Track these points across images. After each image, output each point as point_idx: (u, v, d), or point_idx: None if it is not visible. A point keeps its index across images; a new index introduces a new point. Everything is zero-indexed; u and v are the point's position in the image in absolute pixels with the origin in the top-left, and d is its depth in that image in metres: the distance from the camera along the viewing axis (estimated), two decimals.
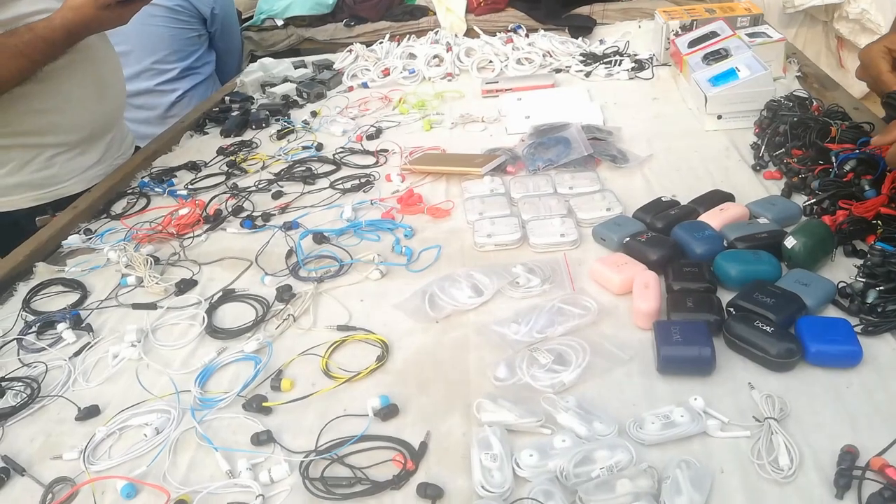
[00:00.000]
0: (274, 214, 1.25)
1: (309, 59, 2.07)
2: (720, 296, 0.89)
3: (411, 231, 1.14)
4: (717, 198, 1.09)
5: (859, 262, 0.94)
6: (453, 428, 0.76)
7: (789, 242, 0.93)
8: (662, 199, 1.11)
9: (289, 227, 1.19)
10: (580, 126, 1.36)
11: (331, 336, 0.92)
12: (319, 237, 1.13)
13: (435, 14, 2.29)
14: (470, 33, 2.18)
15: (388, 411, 0.78)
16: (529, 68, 1.82)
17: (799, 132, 1.19)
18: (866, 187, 1.02)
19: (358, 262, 1.07)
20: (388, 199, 1.26)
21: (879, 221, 0.97)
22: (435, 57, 1.92)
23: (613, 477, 0.66)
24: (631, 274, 0.93)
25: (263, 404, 0.80)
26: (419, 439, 0.74)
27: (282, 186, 1.35)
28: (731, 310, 0.86)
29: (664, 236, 1.00)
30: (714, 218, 1.03)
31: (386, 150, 1.45)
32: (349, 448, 0.74)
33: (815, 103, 1.29)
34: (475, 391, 0.80)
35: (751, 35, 1.56)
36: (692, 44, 1.56)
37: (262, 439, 0.75)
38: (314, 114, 1.69)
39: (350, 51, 2.01)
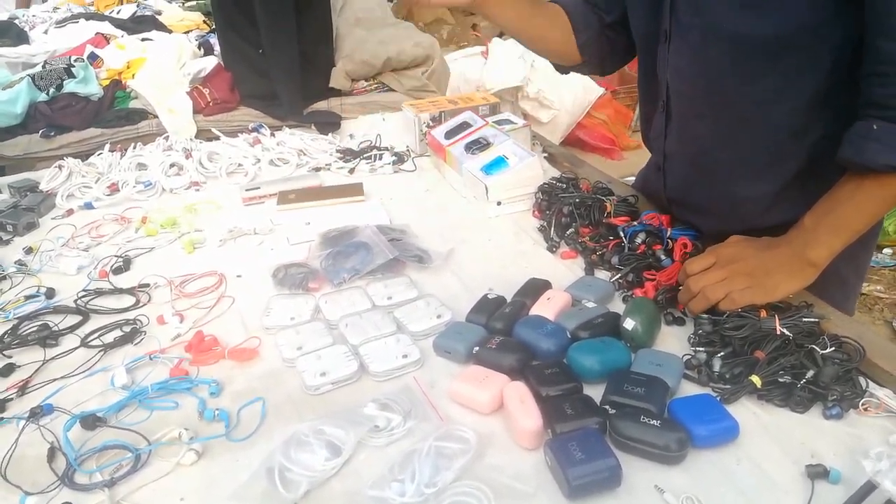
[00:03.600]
0: (11, 399, 0.91)
1: (2, 180, 1.66)
2: (586, 390, 0.86)
3: (217, 386, 0.92)
4: (538, 286, 1.08)
5: (680, 328, 1.00)
6: None
7: (628, 324, 0.94)
8: (488, 296, 1.07)
9: (38, 413, 0.88)
10: (374, 227, 1.27)
11: None
12: (91, 420, 0.85)
13: (156, 117, 2.04)
14: (202, 134, 1.97)
15: None
16: (287, 169, 1.69)
17: (582, 211, 1.27)
18: (662, 256, 1.10)
19: (160, 445, 0.82)
20: (171, 349, 1.01)
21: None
22: (172, 165, 1.68)
23: None
24: (498, 388, 0.86)
25: None
26: None
27: (10, 356, 1.00)
28: (608, 408, 0.83)
29: (511, 340, 0.95)
30: (546, 309, 1.01)
31: (147, 285, 1.19)
32: None
33: (583, 182, 1.39)
34: None
35: (498, 122, 1.65)
36: (448, 134, 1.59)
37: None
38: (29, 250, 1.33)
39: (59, 167, 1.66)
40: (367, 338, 0.99)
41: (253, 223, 1.40)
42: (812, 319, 0.92)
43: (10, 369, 0.98)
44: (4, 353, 1.01)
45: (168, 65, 2.16)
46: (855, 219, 0.95)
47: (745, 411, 0.83)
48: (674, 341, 0.97)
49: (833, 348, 0.87)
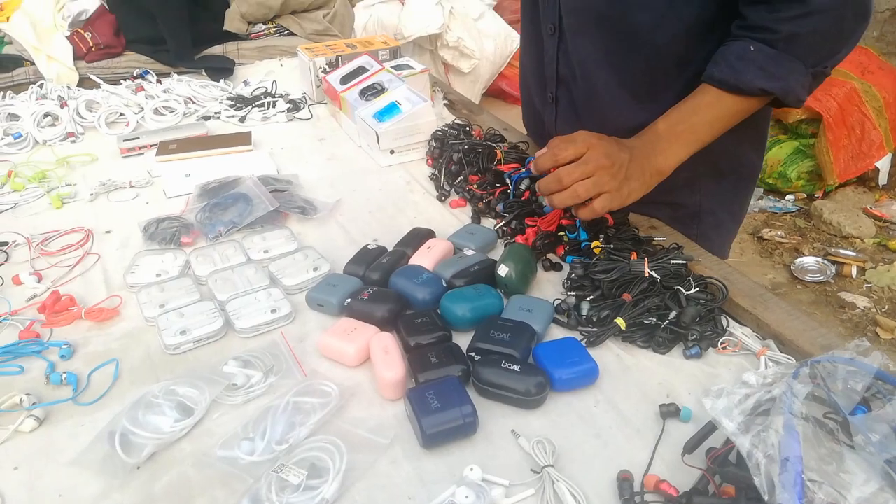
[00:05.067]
0: None
1: None
2: (457, 339, 0.85)
3: (70, 349, 0.87)
4: (421, 236, 1.06)
5: (556, 274, 1.00)
6: None
7: (502, 271, 0.93)
8: (368, 247, 1.04)
9: None
10: (256, 178, 1.21)
11: None
12: None
13: (33, 64, 1.88)
14: (85, 83, 1.83)
15: None
16: (172, 118, 1.59)
17: (471, 158, 1.24)
18: (544, 203, 1.09)
19: None
20: (24, 311, 0.94)
21: (563, 232, 1.04)
22: (46, 115, 1.56)
23: None
24: (365, 340, 0.83)
25: None
26: None
27: None
28: (473, 354, 0.82)
29: (385, 290, 0.93)
30: (425, 258, 0.99)
31: (6, 243, 1.10)
32: None
33: (475, 129, 1.36)
34: None
35: (396, 68, 1.59)
36: (344, 80, 1.53)
37: None
38: None
39: None
40: (235, 293, 0.95)
41: (129, 175, 1.31)
42: (681, 261, 0.93)
43: None
44: None
45: (46, 6, 1.98)
46: (706, 131, 0.96)
47: (608, 354, 0.84)
48: (549, 287, 0.97)
49: (697, 289, 0.88)
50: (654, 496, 0.65)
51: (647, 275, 0.89)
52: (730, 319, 0.87)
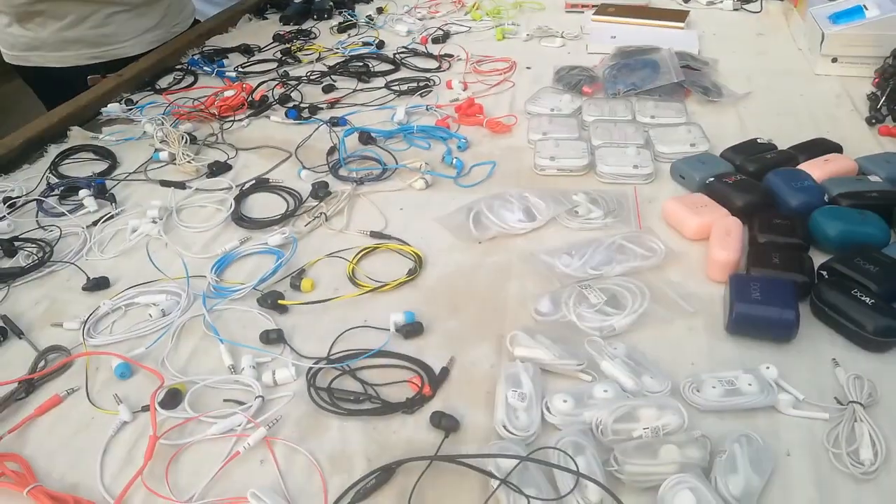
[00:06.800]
0: (322, 108, 1.15)
1: None
2: (813, 256, 0.76)
3: (466, 143, 1.03)
4: (822, 147, 0.94)
5: None
6: (481, 358, 0.67)
7: None
8: (758, 140, 0.97)
9: (335, 122, 1.10)
10: (672, 51, 1.20)
11: (362, 241, 0.83)
12: (366, 137, 1.04)
13: None
14: None
15: (412, 329, 0.69)
16: None
17: None
18: None
19: (403, 167, 0.97)
20: (445, 107, 1.14)
21: None
22: None
23: (658, 441, 0.57)
24: (710, 218, 0.81)
25: (279, 301, 0.73)
26: (441, 364, 0.66)
27: (335, 81, 1.25)
28: (825, 273, 0.73)
29: (755, 181, 0.87)
30: (816, 168, 0.88)
31: (451, 56, 1.33)
32: (363, 362, 0.66)
33: None
34: (511, 323, 0.71)
35: None
36: None
37: (272, 338, 0.68)
38: (380, 10, 1.56)
39: None
40: (610, 142, 0.99)
41: (564, 27, 1.42)
42: None
43: (330, 88, 1.22)
44: (332, 76, 1.26)
45: None
46: None
47: None
48: None
49: None
50: None
51: None
52: None
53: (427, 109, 1.13)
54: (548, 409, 0.61)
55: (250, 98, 1.18)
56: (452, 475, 0.56)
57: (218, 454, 0.58)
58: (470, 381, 0.65)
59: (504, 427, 0.59)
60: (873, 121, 1.05)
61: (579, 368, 0.65)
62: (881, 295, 0.68)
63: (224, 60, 1.35)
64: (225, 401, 0.62)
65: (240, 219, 0.88)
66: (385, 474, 0.54)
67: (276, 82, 1.24)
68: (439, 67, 1.29)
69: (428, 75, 1.25)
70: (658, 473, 0.54)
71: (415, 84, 1.22)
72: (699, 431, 0.57)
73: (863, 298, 0.67)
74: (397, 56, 1.33)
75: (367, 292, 0.75)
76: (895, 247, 0.75)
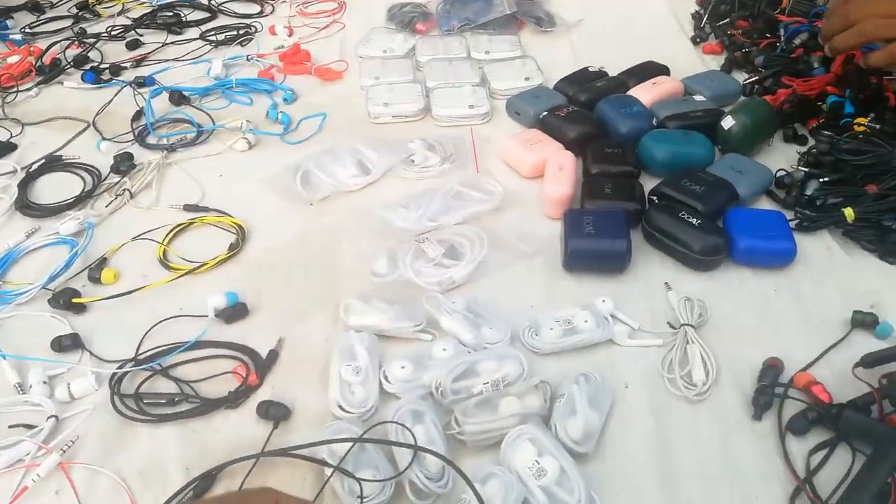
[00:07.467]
0: (126, 68, 1.02)
1: None
2: (644, 182, 0.76)
3: (292, 94, 0.95)
4: (651, 70, 0.94)
5: (800, 148, 0.83)
6: (314, 333, 0.62)
7: (727, 123, 0.80)
8: (589, 69, 0.95)
9: (141, 83, 0.97)
10: None
11: (175, 217, 0.75)
12: (177, 96, 0.93)
13: None
14: None
15: (235, 312, 0.63)
16: None
17: (748, 1, 1.04)
18: (815, 64, 0.89)
19: (221, 128, 0.88)
20: (269, 56, 1.05)
21: (823, 104, 0.85)
22: None
23: (498, 394, 0.55)
24: (544, 154, 0.79)
25: (74, 300, 0.63)
26: (269, 347, 0.60)
27: (140, 35, 1.11)
28: (654, 198, 0.73)
29: (586, 112, 0.86)
30: (645, 93, 0.88)
31: None
32: (178, 357, 0.59)
33: None
34: (347, 289, 0.66)
35: None
36: None
37: (66, 345, 0.60)
38: None
39: None
40: (444, 83, 0.94)
41: None
42: None
43: (135, 44, 1.08)
44: (137, 30, 1.12)
45: None
46: None
47: (817, 244, 0.70)
48: (781, 161, 0.81)
49: None
50: (799, 394, 0.55)
51: None
52: None
53: (248, 60, 1.03)
54: (386, 378, 0.57)
55: (39, 62, 1.02)
56: (285, 468, 0.51)
57: (4, 491, 0.49)
58: (303, 361, 0.60)
59: (339, 406, 0.55)
60: (698, 40, 1.07)
61: (417, 329, 0.61)
62: (707, 214, 0.69)
63: (7, 21, 1.16)
64: (10, 427, 0.54)
65: (26, 207, 0.76)
66: (205, 482, 0.49)
67: (71, 42, 1.09)
68: (261, 12, 1.18)
69: (248, 21, 1.14)
70: (499, 429, 0.52)
71: (234, 32, 1.11)
72: (538, 378, 0.55)
73: (689, 220, 0.68)
74: (213, 2, 1.20)
75: (181, 276, 0.67)
76: (719, 164, 0.77)
